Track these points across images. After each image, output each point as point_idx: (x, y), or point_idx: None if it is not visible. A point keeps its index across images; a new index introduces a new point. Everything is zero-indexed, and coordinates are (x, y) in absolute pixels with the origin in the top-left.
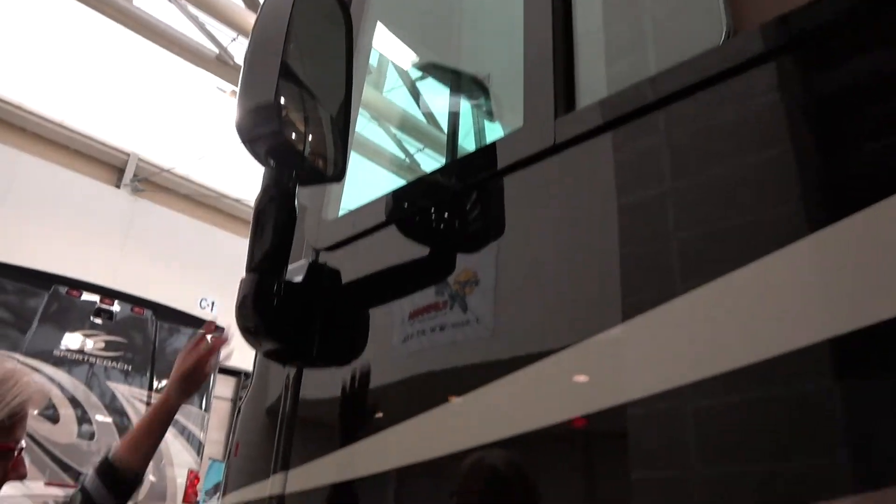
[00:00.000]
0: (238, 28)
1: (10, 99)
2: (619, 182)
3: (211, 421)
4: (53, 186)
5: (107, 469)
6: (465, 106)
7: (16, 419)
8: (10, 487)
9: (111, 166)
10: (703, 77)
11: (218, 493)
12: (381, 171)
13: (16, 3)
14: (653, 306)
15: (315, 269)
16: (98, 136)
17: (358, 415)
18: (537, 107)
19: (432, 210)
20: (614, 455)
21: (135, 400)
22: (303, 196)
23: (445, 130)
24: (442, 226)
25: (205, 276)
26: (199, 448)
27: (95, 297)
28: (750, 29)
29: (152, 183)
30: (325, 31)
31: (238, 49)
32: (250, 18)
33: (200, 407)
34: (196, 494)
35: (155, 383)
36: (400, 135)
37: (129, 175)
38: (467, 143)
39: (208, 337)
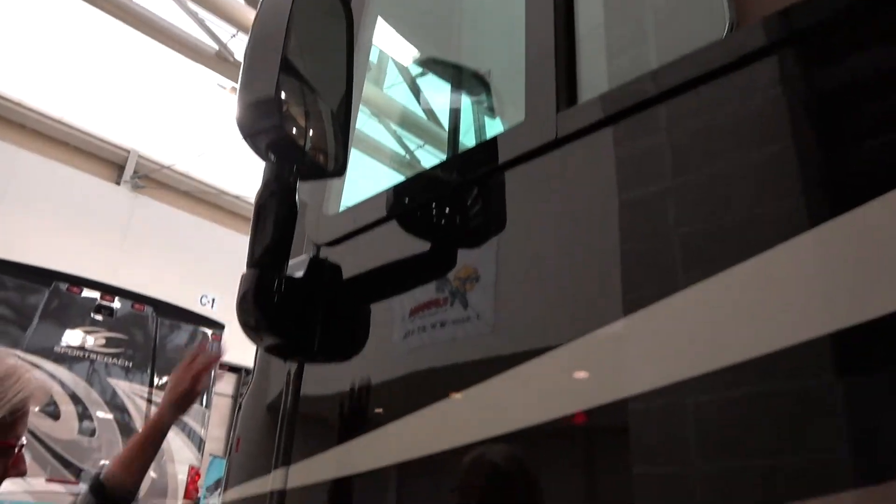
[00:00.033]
0: (238, 24)
1: (10, 95)
2: (620, 176)
3: (212, 417)
4: (53, 183)
5: (99, 488)
6: (465, 101)
7: (17, 416)
8: (11, 484)
9: (111, 163)
10: (706, 71)
11: (219, 490)
12: (381, 167)
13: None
14: (654, 301)
15: (316, 265)
16: (98, 133)
17: (359, 410)
18: (539, 101)
19: (433, 205)
20: (615, 450)
21: (135, 396)
22: (304, 191)
23: (446, 126)
24: (443, 221)
25: (205, 272)
26: (199, 444)
27: (96, 294)
28: (753, 22)
29: (152, 179)
30: (326, 26)
31: (238, 45)
32: (250, 14)
33: (201, 403)
34: (197, 491)
35: (156, 380)
36: (401, 131)
37: (129, 172)
38: (468, 139)
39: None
